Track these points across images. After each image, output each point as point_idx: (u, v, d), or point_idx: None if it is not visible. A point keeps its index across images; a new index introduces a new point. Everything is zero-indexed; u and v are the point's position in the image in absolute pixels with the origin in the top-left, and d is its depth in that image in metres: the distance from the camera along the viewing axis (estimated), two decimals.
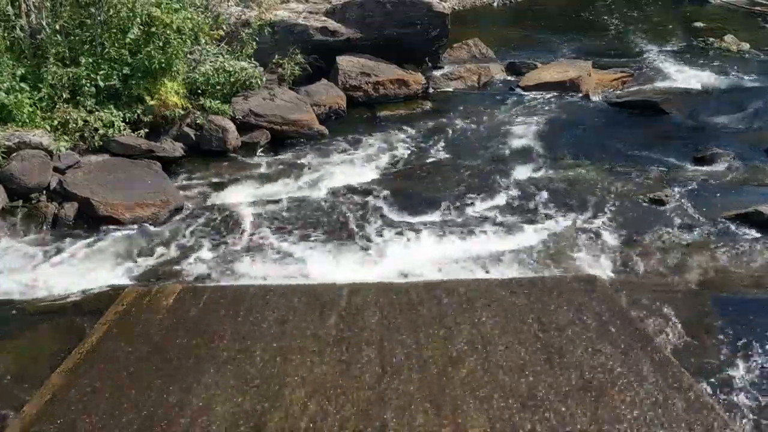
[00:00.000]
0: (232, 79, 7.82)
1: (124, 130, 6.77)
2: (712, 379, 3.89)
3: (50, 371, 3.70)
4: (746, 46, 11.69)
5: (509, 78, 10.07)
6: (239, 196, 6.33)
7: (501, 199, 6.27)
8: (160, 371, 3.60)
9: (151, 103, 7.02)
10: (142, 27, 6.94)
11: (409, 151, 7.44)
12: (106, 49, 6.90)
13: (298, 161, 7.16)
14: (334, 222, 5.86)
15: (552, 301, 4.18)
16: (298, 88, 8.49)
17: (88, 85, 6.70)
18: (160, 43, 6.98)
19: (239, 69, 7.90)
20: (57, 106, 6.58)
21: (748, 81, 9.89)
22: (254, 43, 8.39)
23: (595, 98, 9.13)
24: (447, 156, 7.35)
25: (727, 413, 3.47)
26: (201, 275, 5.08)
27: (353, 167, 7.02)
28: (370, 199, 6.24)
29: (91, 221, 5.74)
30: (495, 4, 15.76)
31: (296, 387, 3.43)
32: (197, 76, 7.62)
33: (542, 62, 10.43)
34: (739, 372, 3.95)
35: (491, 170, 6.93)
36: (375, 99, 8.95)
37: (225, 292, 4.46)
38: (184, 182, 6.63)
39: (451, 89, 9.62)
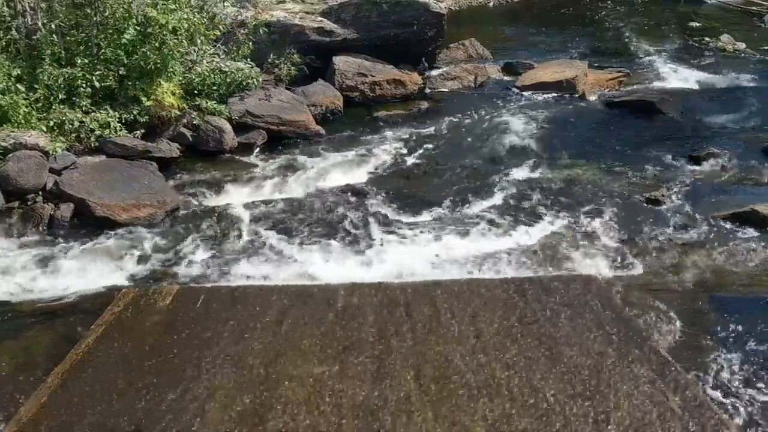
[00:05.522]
0: (228, 80, 7.80)
1: (121, 130, 6.76)
2: (709, 379, 3.90)
3: (47, 373, 3.68)
4: (742, 45, 11.72)
5: (506, 78, 10.05)
6: (236, 197, 6.32)
7: (498, 199, 6.28)
8: (157, 372, 3.59)
9: (147, 103, 7.01)
10: (138, 27, 6.93)
11: (405, 151, 7.43)
12: (102, 50, 6.90)
13: (295, 162, 7.14)
14: (330, 222, 5.85)
15: (549, 301, 4.18)
16: (294, 88, 8.48)
17: (84, 85, 6.69)
18: (156, 44, 6.98)
19: (235, 69, 7.88)
20: (53, 106, 6.58)
21: (744, 80, 9.90)
22: (250, 44, 8.39)
23: (591, 98, 9.12)
24: (444, 156, 7.34)
25: (724, 413, 3.47)
26: (198, 276, 5.08)
27: (350, 167, 7.01)
28: (366, 199, 6.24)
29: (87, 222, 5.73)
30: (491, 4, 15.75)
31: (294, 387, 3.42)
32: (193, 77, 7.61)
33: (538, 62, 10.43)
34: (736, 371, 3.96)
35: (488, 170, 6.93)
36: (372, 99, 8.95)
37: (222, 292, 4.45)
38: (181, 183, 6.61)
39: (447, 89, 9.61)
